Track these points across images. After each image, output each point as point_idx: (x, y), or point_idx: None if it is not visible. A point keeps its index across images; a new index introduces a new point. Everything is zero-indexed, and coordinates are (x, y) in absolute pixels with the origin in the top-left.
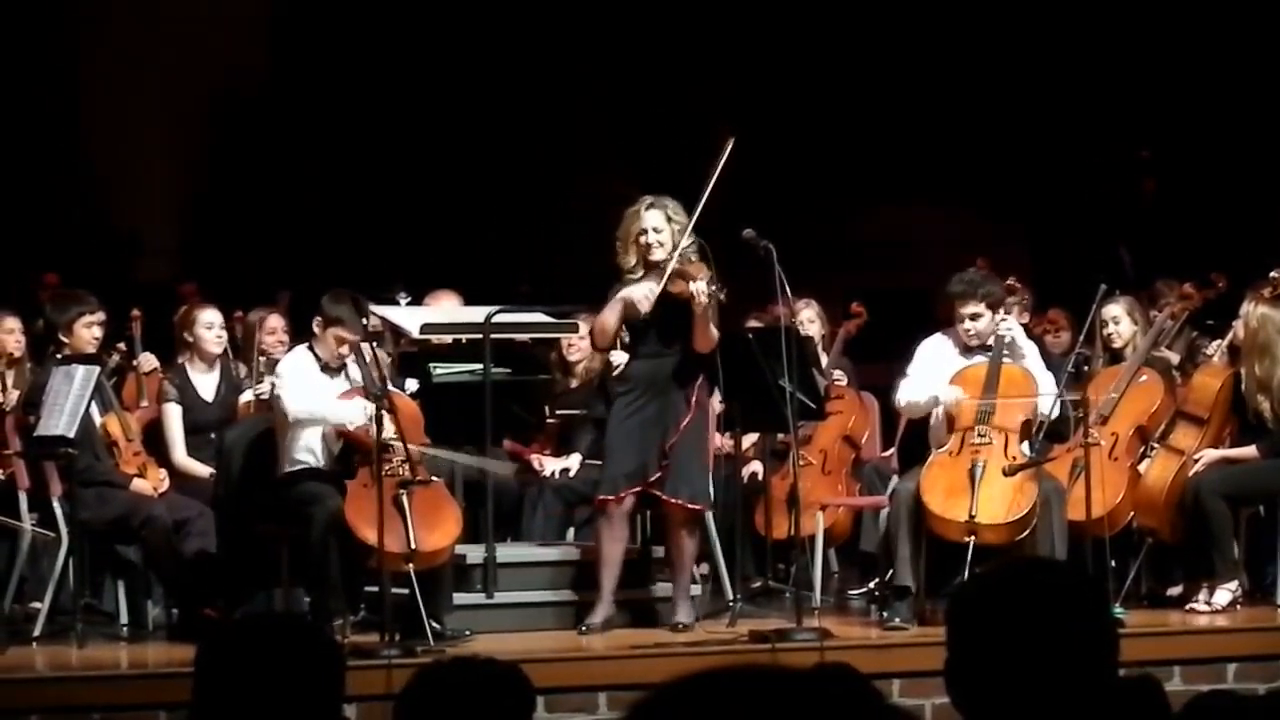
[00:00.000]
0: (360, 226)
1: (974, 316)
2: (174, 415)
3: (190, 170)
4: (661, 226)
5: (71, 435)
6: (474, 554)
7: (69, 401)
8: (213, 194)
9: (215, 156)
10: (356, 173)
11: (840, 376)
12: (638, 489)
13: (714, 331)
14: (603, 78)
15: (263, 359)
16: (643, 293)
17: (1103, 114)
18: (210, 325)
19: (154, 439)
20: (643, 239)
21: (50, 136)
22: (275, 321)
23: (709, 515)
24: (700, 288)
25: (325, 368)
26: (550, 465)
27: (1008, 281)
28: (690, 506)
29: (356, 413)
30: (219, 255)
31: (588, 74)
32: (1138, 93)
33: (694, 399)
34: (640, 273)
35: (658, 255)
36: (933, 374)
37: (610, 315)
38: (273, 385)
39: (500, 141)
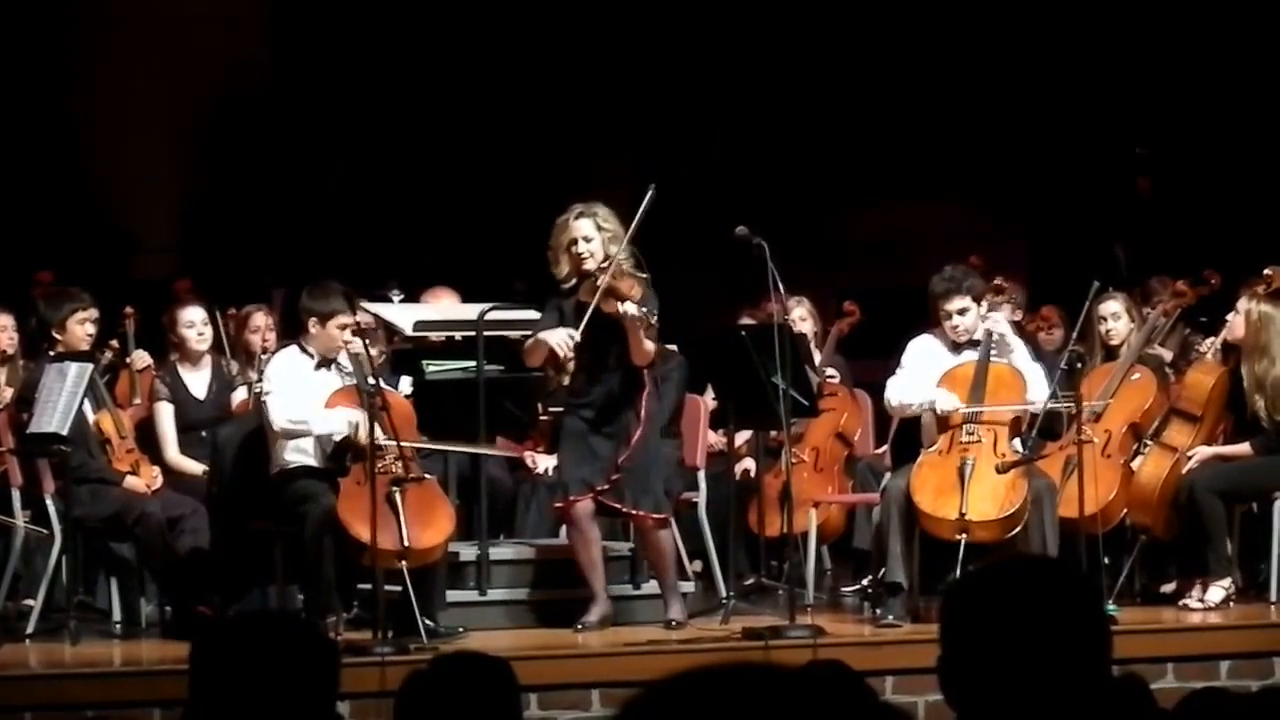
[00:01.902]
0: (357, 224)
1: (961, 312)
2: (165, 414)
3: (187, 168)
4: (591, 235)
5: (65, 432)
6: (467, 551)
7: (62, 399)
8: (210, 192)
9: (213, 155)
10: (354, 171)
11: (834, 374)
12: (589, 495)
13: (649, 346)
14: (603, 75)
15: (263, 355)
16: (559, 339)
17: (1098, 111)
18: (191, 324)
19: (147, 436)
20: (574, 249)
21: (47, 133)
22: (260, 320)
23: (700, 512)
24: (629, 310)
25: (321, 363)
26: (543, 462)
27: (995, 281)
28: (655, 516)
29: (340, 424)
30: (215, 253)
31: (587, 71)
32: (1133, 90)
33: (642, 411)
34: (574, 282)
35: (589, 265)
36: (923, 374)
37: (533, 351)
38: (260, 389)
39: (499, 139)
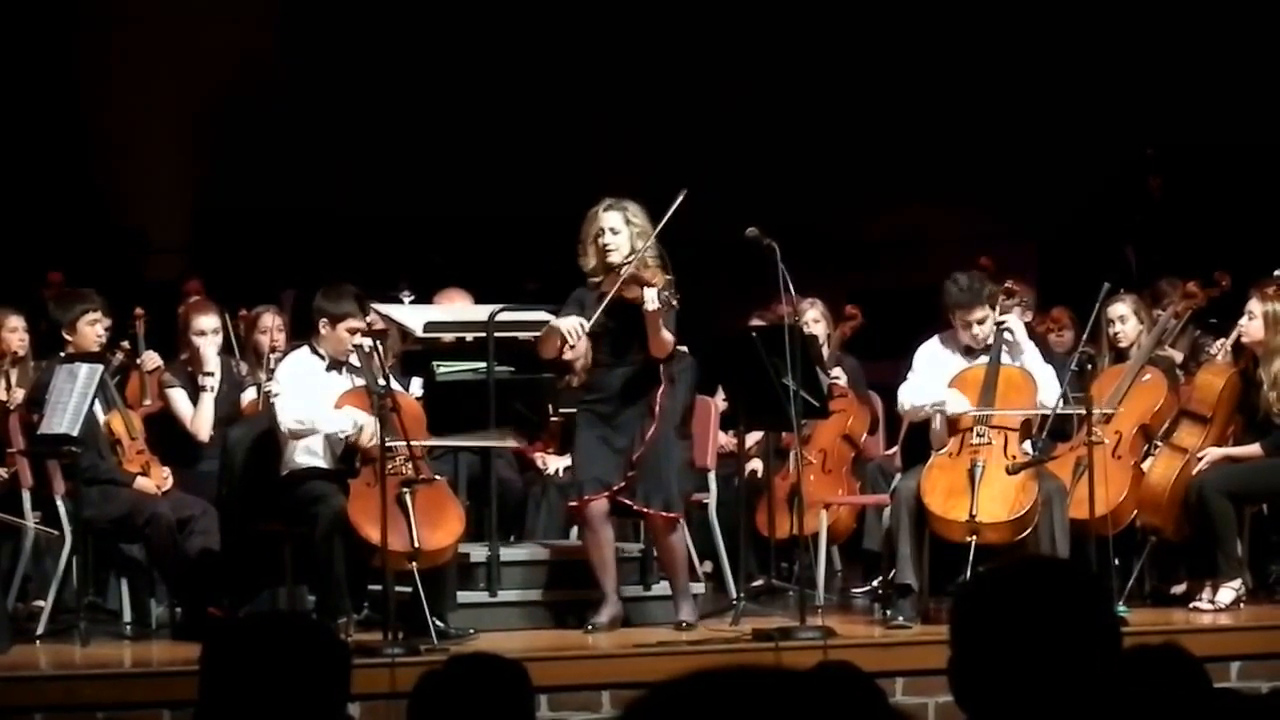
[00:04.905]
0: (366, 224)
1: (981, 321)
2: (179, 397)
3: (197, 168)
4: (619, 228)
5: (75, 433)
6: (477, 552)
7: (72, 400)
8: (219, 192)
9: (222, 154)
10: (363, 170)
11: (838, 376)
12: (604, 494)
13: (668, 337)
14: (611, 74)
15: (274, 355)
16: (569, 326)
17: (1108, 112)
18: (203, 332)
19: (157, 437)
20: (600, 240)
21: (56, 134)
22: (269, 320)
23: (710, 513)
24: (651, 295)
25: (331, 365)
26: (554, 463)
27: (1006, 284)
28: (666, 515)
29: (346, 422)
30: (225, 253)
31: (595, 70)
32: (1143, 90)
33: (656, 407)
34: (600, 276)
35: (614, 258)
36: (934, 377)
37: (545, 342)
38: (270, 390)
39: (507, 138)
